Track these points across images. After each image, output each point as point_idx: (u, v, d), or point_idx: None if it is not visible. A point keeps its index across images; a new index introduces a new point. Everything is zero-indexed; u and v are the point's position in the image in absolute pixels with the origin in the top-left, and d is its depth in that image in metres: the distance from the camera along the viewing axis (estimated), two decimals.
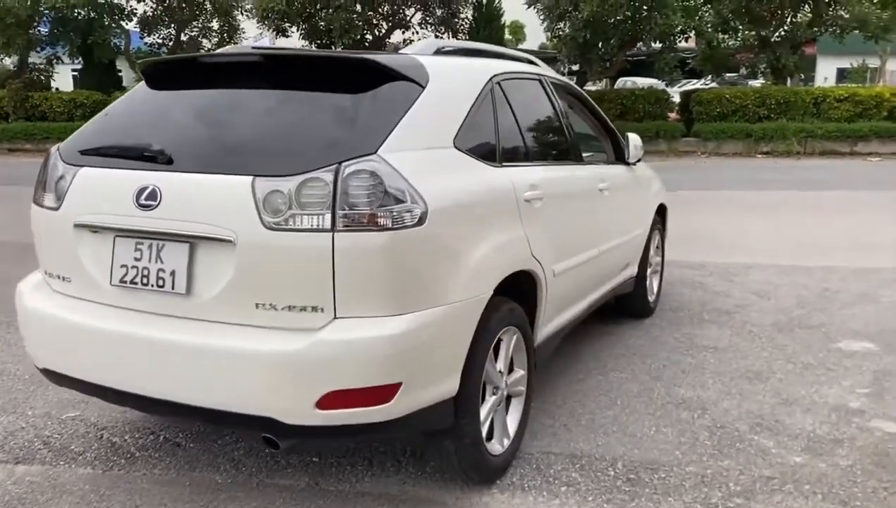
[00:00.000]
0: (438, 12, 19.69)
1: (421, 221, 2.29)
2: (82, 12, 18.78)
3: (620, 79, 21.83)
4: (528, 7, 18.61)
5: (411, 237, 2.27)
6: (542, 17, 18.39)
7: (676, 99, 19.78)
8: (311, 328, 2.23)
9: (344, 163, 2.23)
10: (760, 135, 17.23)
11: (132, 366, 2.40)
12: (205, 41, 21.55)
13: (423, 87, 2.60)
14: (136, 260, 2.44)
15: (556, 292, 3.29)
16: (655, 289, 5.26)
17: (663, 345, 4.54)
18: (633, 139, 4.42)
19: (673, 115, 19.37)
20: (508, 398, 3.04)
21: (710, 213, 9.48)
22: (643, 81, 23.63)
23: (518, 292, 3.03)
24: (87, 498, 2.77)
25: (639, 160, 4.58)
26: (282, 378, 2.20)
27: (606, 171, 4.04)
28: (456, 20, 19.96)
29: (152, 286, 2.41)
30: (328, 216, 2.20)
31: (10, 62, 20.99)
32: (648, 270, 5.04)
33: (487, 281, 2.60)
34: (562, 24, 17.91)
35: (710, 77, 25.37)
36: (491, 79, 3.05)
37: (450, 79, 2.81)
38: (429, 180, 2.39)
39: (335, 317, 2.23)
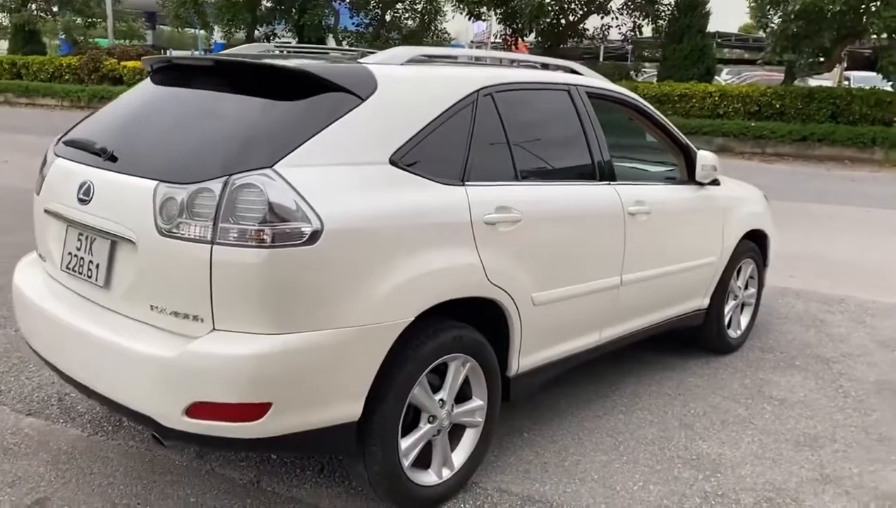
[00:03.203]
0: None
1: (312, 240, 2.22)
2: None
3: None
4: None
5: (297, 256, 2.21)
6: (751, 4, 16.96)
7: None
8: (191, 336, 2.25)
9: (234, 176, 2.21)
10: None
11: (68, 350, 2.57)
12: (409, 22, 22.32)
13: (363, 99, 2.50)
14: (77, 249, 2.61)
15: (542, 322, 3.05)
16: (744, 325, 4.70)
17: (721, 390, 4.07)
18: (703, 157, 3.95)
19: None
20: (461, 428, 2.89)
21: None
22: (857, 75, 20.91)
23: (487, 319, 2.87)
24: (58, 459, 3.03)
25: (715, 180, 4.11)
26: (155, 381, 2.25)
27: (650, 192, 3.64)
28: (657, 6, 18.97)
29: (84, 275, 2.56)
30: (211, 227, 2.20)
31: (241, 36, 23.13)
32: (731, 303, 4.51)
33: (406, 307, 2.47)
34: (772, 13, 16.39)
35: None
36: (477, 91, 2.87)
37: (408, 90, 2.68)
38: (335, 198, 2.31)
39: (214, 329, 2.24)
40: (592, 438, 3.43)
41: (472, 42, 32.97)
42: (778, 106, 16.34)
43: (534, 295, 2.97)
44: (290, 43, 19.43)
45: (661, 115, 3.94)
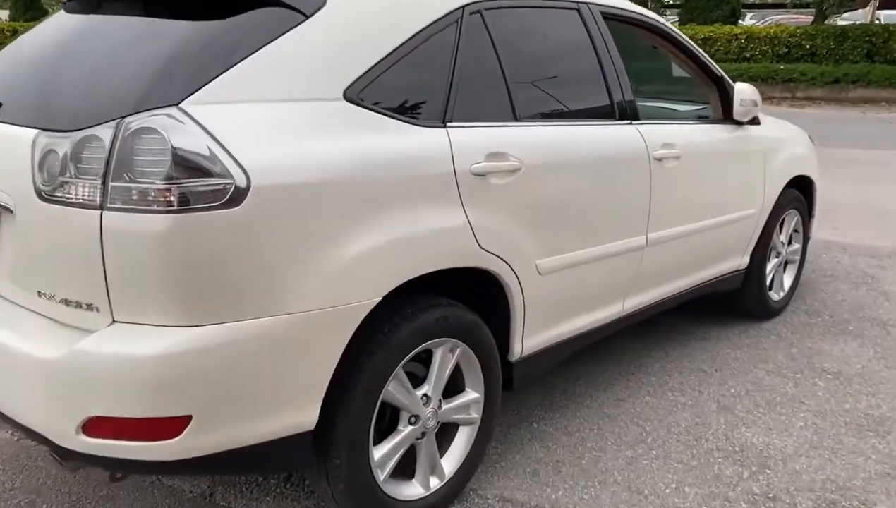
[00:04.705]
0: None
1: (234, 201, 1.67)
2: None
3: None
4: None
5: (215, 222, 1.66)
6: None
7: None
8: (88, 329, 1.73)
9: (128, 118, 1.66)
10: None
11: None
12: None
13: (307, 15, 1.93)
14: None
15: (550, 294, 2.50)
16: (787, 285, 4.11)
17: (764, 363, 3.50)
18: (741, 90, 3.32)
19: None
20: (454, 426, 2.37)
21: None
22: (885, 13, 19.74)
23: (482, 293, 2.33)
24: None
25: (754, 119, 3.49)
26: (39, 389, 1.73)
27: (679, 133, 3.03)
28: None
29: None
30: (100, 187, 1.65)
31: None
32: (773, 261, 3.92)
33: (370, 285, 1.92)
34: None
35: None
36: (462, 7, 2.28)
37: (369, 5, 2.09)
38: (267, 145, 1.75)
39: (113, 321, 1.71)
40: (614, 428, 2.89)
41: None
42: (808, 47, 15.43)
43: (538, 263, 2.41)
44: None
45: (692, 43, 3.31)
